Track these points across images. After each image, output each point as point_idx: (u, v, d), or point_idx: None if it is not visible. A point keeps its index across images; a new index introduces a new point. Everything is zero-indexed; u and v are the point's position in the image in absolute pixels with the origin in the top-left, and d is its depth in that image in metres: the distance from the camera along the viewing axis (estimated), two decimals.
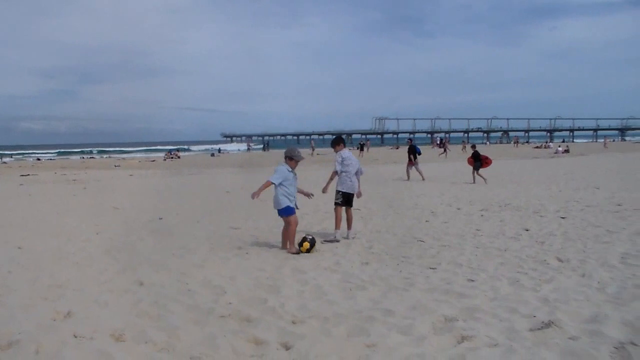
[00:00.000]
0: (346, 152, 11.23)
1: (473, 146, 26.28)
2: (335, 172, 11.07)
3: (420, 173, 25.87)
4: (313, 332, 5.46)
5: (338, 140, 11.48)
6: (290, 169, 9.94)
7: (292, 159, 9.99)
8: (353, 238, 10.90)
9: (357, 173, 11.24)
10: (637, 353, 4.52)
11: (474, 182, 23.51)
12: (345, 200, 11.11)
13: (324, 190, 11.29)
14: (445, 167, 34.50)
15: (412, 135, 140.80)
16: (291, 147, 10.47)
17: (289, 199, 9.86)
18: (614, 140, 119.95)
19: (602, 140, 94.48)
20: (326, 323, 5.71)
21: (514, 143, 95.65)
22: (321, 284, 7.41)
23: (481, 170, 24.02)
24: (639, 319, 5.36)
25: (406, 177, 26.31)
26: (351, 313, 6.02)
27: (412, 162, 26.70)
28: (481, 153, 24.45)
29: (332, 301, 6.57)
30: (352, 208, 11.32)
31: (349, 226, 11.19)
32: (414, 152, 26.94)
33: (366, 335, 5.28)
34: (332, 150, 11.21)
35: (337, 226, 11.03)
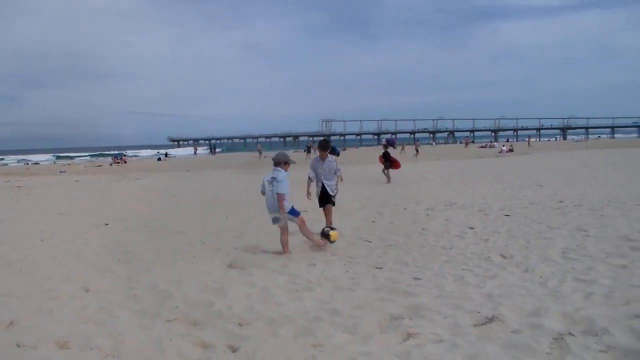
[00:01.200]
0: None
1: (385, 146, 28.11)
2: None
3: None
4: (260, 334, 5.46)
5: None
6: (289, 174, 9.88)
7: (287, 164, 9.90)
8: None
9: None
10: (574, 342, 4.66)
11: (389, 181, 24.55)
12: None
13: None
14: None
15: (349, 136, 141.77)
16: (281, 152, 10.39)
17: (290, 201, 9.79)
18: (555, 139, 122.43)
19: (549, 139, 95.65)
20: (273, 324, 5.71)
21: (465, 143, 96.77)
22: (268, 286, 7.41)
23: (391, 171, 25.30)
24: (578, 311, 5.51)
25: None
26: (298, 314, 6.05)
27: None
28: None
29: (279, 303, 6.59)
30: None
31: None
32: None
33: (313, 336, 5.31)
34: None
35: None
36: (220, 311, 6.31)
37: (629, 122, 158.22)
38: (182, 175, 38.58)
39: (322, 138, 12.87)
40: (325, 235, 10.25)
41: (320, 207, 12.03)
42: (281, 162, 9.85)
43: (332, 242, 10.18)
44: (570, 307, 5.70)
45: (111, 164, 64.14)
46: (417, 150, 60.09)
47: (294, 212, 9.78)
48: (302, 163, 32.50)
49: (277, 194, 9.50)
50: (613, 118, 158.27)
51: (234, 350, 5.11)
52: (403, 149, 64.15)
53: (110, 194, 24.75)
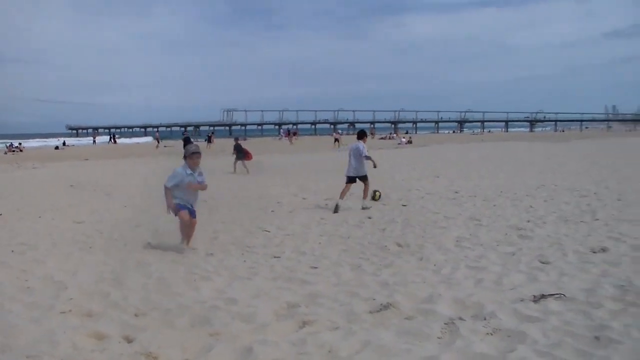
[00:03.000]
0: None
1: (236, 139, 28.70)
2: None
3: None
4: (156, 324, 5.40)
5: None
6: (189, 172, 9.15)
7: (185, 157, 9.24)
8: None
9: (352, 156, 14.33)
10: (464, 326, 4.85)
11: (235, 172, 25.36)
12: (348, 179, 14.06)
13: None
14: (293, 158, 34.75)
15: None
16: (188, 145, 9.93)
17: (181, 199, 9.20)
18: (453, 132, 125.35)
19: (448, 132, 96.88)
20: (169, 314, 5.66)
21: (371, 134, 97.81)
22: (165, 276, 7.33)
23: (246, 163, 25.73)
24: (469, 296, 5.73)
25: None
26: (195, 304, 6.01)
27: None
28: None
29: (175, 293, 6.53)
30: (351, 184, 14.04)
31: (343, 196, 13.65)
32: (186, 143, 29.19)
33: (209, 325, 5.29)
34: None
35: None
36: (116, 302, 6.19)
37: (522, 116, 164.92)
38: (81, 164, 37.49)
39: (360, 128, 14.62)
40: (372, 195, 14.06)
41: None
42: (184, 157, 9.35)
43: (375, 199, 14.24)
44: (462, 293, 5.92)
45: (6, 152, 61.54)
46: (336, 140, 58.91)
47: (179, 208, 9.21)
48: (202, 152, 31.99)
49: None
50: (507, 112, 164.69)
51: (129, 340, 5.02)
52: (372, 134, 61.92)
53: (4, 183, 23.82)
